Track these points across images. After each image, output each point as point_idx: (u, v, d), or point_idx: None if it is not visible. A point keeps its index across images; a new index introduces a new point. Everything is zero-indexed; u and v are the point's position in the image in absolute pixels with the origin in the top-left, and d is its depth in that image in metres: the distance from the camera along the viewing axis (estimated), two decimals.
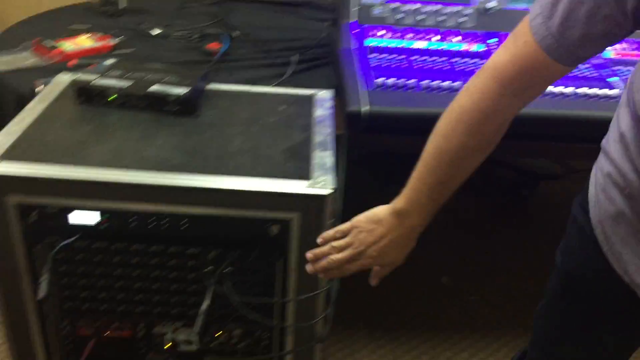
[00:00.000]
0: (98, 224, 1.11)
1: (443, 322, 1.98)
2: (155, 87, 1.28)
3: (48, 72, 1.54)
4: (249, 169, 1.12)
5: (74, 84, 1.31)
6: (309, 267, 1.07)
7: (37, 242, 1.13)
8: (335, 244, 1.03)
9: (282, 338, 1.25)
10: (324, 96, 1.42)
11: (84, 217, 1.10)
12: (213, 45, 1.83)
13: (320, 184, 1.08)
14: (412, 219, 0.99)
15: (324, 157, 1.16)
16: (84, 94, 1.28)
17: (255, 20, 2.09)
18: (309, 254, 1.06)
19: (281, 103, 1.38)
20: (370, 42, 1.66)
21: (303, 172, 1.12)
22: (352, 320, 1.95)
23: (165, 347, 1.27)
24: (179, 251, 1.16)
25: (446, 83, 1.47)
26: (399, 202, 0.99)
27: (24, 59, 1.69)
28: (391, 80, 1.49)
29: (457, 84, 1.48)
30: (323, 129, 1.27)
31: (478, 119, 0.87)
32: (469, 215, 2.52)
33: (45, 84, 1.42)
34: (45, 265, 1.11)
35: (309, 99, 1.40)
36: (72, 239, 1.10)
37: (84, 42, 1.78)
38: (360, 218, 1.02)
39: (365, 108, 1.38)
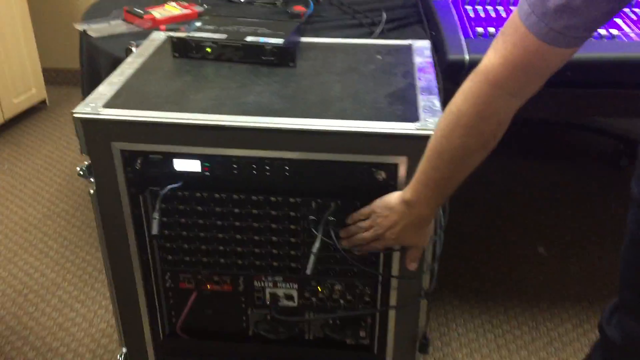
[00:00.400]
0: (201, 172, 1.09)
1: (542, 293, 1.89)
2: (250, 38, 1.26)
3: (140, 37, 1.55)
4: (353, 112, 1.07)
5: (169, 39, 1.30)
6: (344, 242, 1.12)
7: (142, 190, 1.12)
8: (361, 224, 1.09)
9: (385, 293, 1.20)
10: (422, 45, 1.35)
11: (187, 165, 1.09)
12: (298, 8, 1.80)
13: (430, 125, 1.02)
14: (419, 209, 1.00)
15: (430, 100, 1.10)
16: (181, 47, 1.27)
17: None
18: (343, 233, 1.12)
19: (377, 53, 1.33)
20: None
21: (410, 115, 1.06)
22: (444, 289, 1.88)
23: (265, 302, 1.25)
24: (280, 201, 1.13)
25: None
26: (407, 192, 1.00)
27: (117, 26, 1.71)
28: (492, 30, 1.41)
29: None
30: (425, 76, 1.21)
31: (476, 121, 0.86)
32: (565, 185, 2.40)
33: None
34: (156, 204, 1.11)
35: (407, 49, 1.35)
36: (177, 184, 1.09)
37: (172, 9, 1.78)
38: (377, 204, 1.06)
39: (467, 56, 1.31)
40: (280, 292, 1.24)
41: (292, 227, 1.16)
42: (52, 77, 3.24)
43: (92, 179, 1.11)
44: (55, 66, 3.22)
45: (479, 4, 1.58)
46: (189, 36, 1.27)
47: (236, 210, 1.15)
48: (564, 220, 2.19)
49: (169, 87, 1.17)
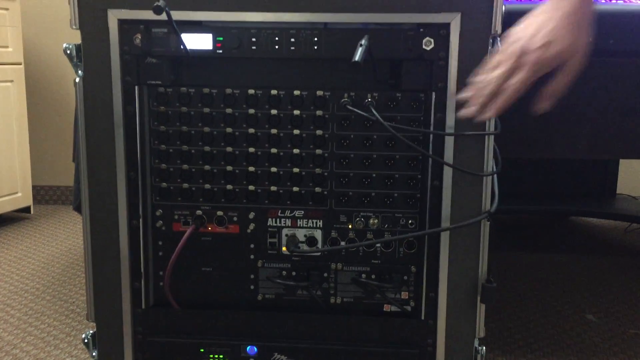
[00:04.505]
0: (212, 50, 0.92)
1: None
2: None
3: None
4: None
5: None
6: (463, 112, 0.86)
7: (139, 81, 0.93)
8: (489, 65, 0.83)
9: (434, 222, 0.94)
10: None
11: (197, 41, 0.91)
12: None
13: None
14: None
15: None
16: None
17: None
18: (460, 95, 0.86)
19: None
20: None
21: None
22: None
23: (280, 250, 0.98)
24: (305, 96, 0.94)
25: None
26: None
27: None
28: None
29: None
30: None
31: None
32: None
33: None
34: None
35: None
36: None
37: None
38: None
39: None
40: (300, 233, 0.98)
41: (319, 133, 0.95)
42: (41, 194, 3.10)
43: (79, 62, 0.92)
44: (45, 183, 3.10)
45: None
46: None
47: (250, 112, 0.94)
48: (614, 285, 1.92)
49: None
